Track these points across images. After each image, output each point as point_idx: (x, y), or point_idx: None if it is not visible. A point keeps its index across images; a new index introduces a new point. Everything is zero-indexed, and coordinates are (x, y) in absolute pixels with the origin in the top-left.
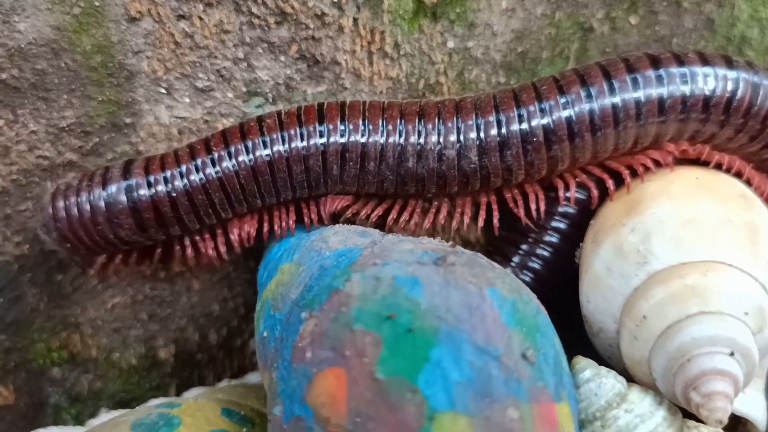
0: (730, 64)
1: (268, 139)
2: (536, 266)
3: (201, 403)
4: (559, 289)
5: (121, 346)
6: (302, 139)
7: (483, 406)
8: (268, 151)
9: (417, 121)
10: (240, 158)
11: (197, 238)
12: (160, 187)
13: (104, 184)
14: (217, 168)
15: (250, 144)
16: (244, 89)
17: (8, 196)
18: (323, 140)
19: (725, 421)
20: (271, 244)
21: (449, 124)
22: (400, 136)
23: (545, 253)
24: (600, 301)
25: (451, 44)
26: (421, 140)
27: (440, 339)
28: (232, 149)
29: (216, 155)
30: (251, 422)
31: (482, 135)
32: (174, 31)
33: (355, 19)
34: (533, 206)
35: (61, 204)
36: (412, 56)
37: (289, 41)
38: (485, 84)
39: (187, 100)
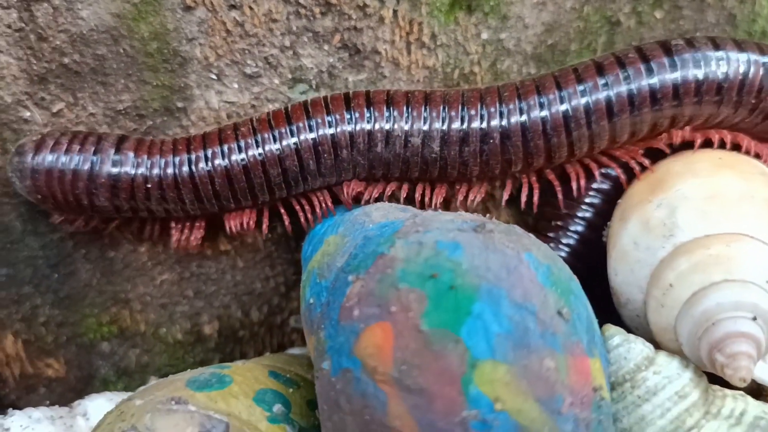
0: (739, 47)
1: (277, 132)
2: (571, 241)
3: (249, 366)
4: (591, 263)
5: (168, 322)
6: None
7: (521, 356)
8: (289, 142)
9: (460, 107)
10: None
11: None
12: (151, 170)
13: (94, 152)
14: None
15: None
16: (290, 76)
17: None
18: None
19: (748, 380)
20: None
21: (492, 109)
22: (447, 121)
23: (579, 228)
24: (627, 274)
25: (484, 36)
26: (473, 125)
27: (480, 295)
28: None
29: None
30: (296, 384)
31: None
32: (226, 20)
33: (395, 11)
34: (574, 185)
35: (43, 156)
36: (448, 47)
37: (333, 31)
38: (516, 74)
39: (236, 85)
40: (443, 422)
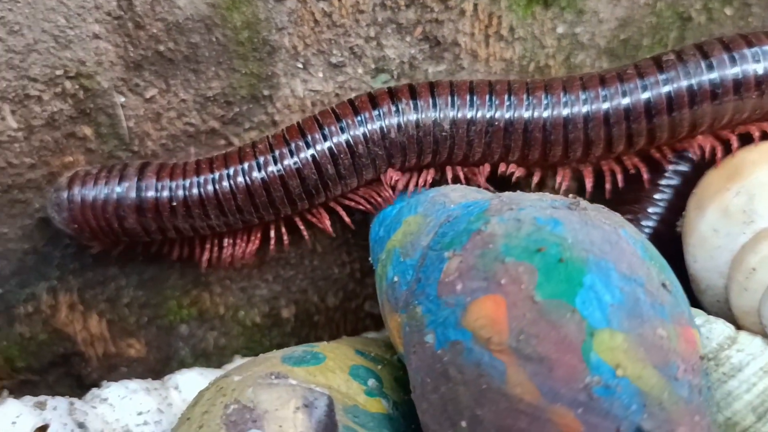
0: None
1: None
2: (651, 223)
3: (335, 345)
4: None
5: (247, 305)
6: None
7: (635, 325)
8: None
9: (563, 92)
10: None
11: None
12: (168, 192)
13: (120, 180)
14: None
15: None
16: (373, 66)
17: (156, 158)
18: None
19: None
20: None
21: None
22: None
23: (659, 210)
24: (707, 260)
25: (560, 30)
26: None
27: (590, 267)
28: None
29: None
30: (381, 362)
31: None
32: (314, 10)
33: (475, 4)
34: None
35: (77, 189)
36: (525, 40)
37: (415, 23)
38: (589, 68)
39: (321, 74)
40: (566, 388)
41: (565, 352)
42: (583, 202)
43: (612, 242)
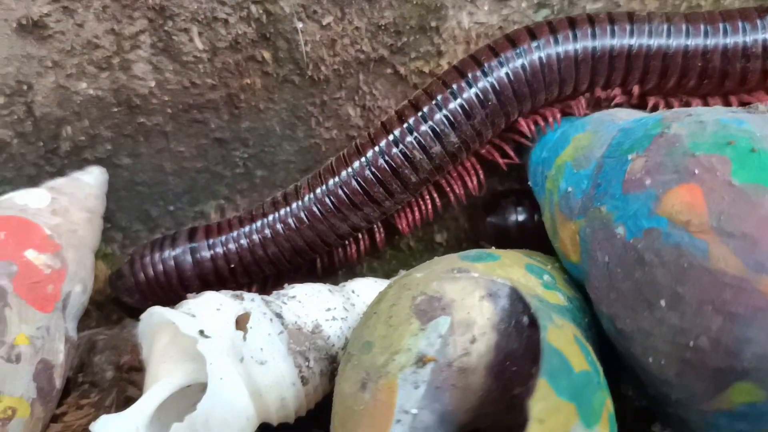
0: None
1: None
2: None
3: (503, 251)
4: None
5: None
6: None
7: None
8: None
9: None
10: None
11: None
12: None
13: (173, 246)
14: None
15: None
16: (536, 1)
17: (327, 84)
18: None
19: None
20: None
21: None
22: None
23: None
24: None
25: None
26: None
27: None
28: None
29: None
30: (547, 265)
31: None
32: None
33: None
34: None
35: (138, 265)
36: None
37: None
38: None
39: (487, 7)
40: None
41: None
42: (761, 106)
43: None
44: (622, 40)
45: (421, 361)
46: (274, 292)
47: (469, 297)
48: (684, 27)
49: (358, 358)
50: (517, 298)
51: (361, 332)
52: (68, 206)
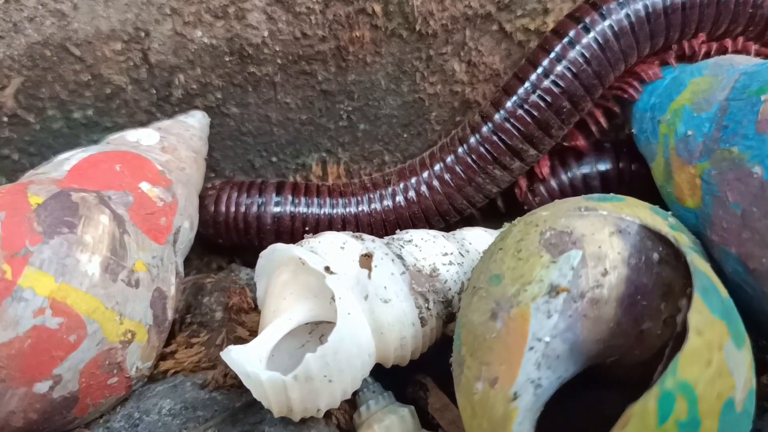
0: None
1: None
2: None
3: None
4: None
5: None
6: None
7: None
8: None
9: None
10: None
11: None
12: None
13: (260, 194)
14: None
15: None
16: None
17: (434, 39)
18: None
19: None
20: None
21: None
22: None
23: None
24: None
25: None
26: None
27: None
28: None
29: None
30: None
31: None
32: None
33: None
34: None
35: (222, 206)
36: None
37: None
38: None
39: None
40: None
41: None
42: None
43: None
44: None
45: (555, 291)
46: (387, 237)
47: (599, 232)
48: None
49: (486, 290)
50: (646, 235)
51: (487, 266)
52: (176, 145)
